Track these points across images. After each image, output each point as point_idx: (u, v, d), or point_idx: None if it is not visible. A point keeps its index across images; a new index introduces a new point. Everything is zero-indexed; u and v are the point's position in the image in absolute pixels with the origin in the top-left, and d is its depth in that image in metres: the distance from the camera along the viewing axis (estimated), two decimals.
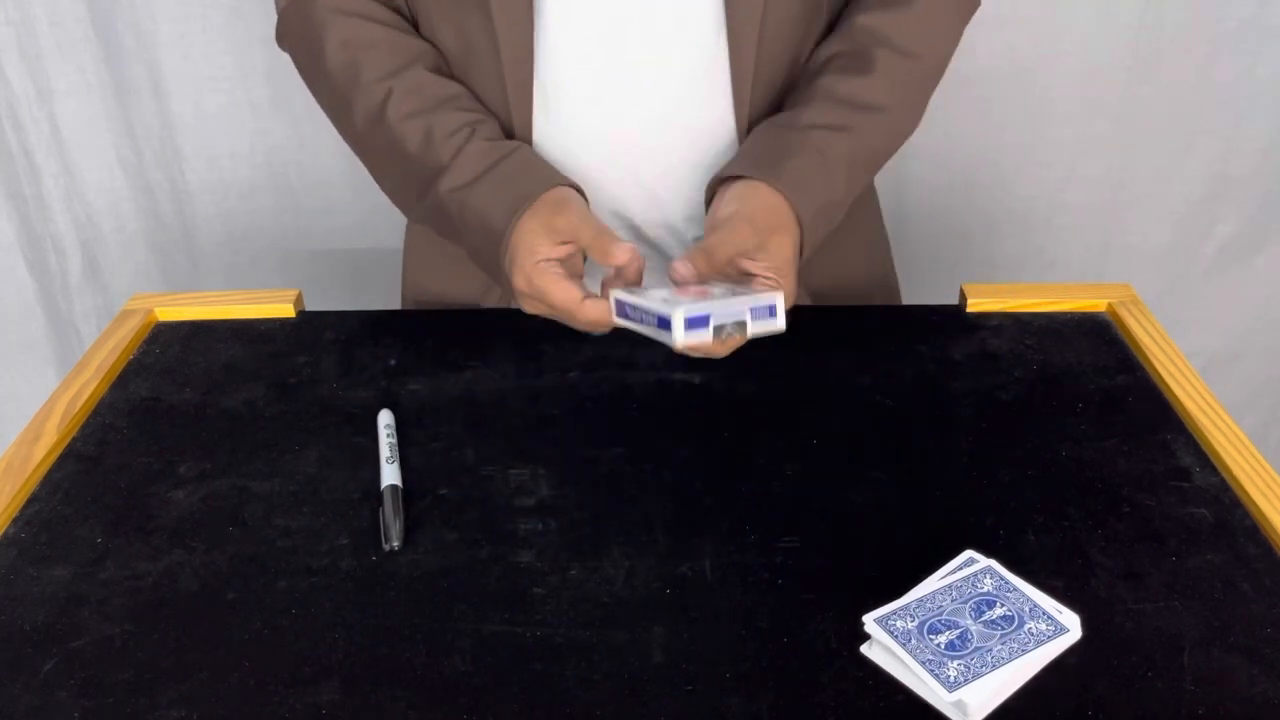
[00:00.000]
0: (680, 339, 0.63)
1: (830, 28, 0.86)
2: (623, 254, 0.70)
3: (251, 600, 0.60)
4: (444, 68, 0.82)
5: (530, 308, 0.74)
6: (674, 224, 0.86)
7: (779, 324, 0.66)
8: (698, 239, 0.89)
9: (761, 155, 0.76)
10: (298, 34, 0.82)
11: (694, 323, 0.64)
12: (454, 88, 0.80)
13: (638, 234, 0.87)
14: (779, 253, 0.72)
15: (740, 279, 0.72)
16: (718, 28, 0.78)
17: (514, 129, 0.82)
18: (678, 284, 0.69)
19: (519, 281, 0.72)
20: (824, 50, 0.81)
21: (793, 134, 0.77)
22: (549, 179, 0.75)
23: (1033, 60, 1.31)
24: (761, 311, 0.66)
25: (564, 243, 0.71)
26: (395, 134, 0.77)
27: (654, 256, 0.89)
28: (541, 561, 0.63)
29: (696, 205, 0.85)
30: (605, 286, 0.72)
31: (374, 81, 0.78)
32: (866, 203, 0.95)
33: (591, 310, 0.69)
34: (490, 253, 0.74)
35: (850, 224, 0.84)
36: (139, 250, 1.43)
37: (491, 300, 0.90)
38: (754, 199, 0.74)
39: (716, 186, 0.77)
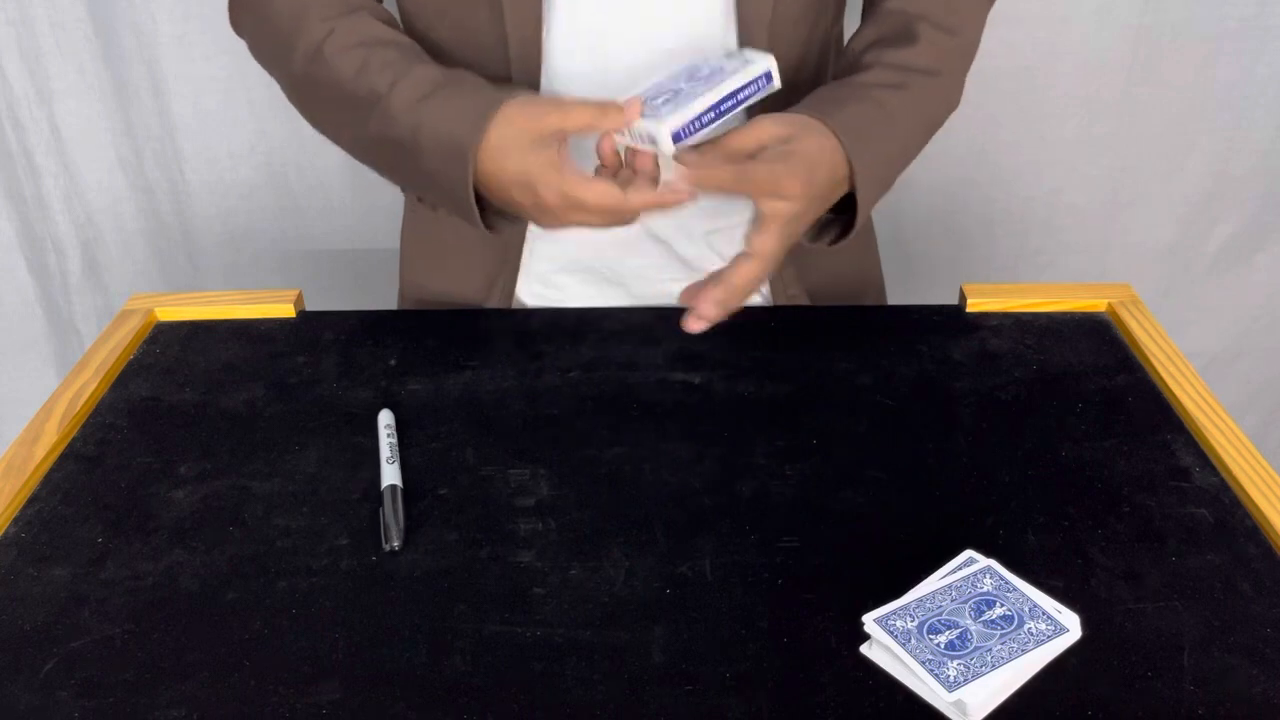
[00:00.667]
0: (670, 152, 0.65)
1: (835, 23, 0.86)
2: (633, 105, 0.66)
3: (251, 600, 0.60)
4: (394, 22, 0.79)
5: (555, 222, 0.69)
6: (683, 218, 0.86)
7: (775, 85, 0.67)
8: (711, 233, 0.89)
9: (815, 103, 0.75)
10: (244, 7, 0.79)
11: (685, 133, 0.66)
12: (401, 37, 0.76)
13: (647, 230, 0.87)
14: (802, 155, 0.69)
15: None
16: (726, 20, 0.78)
17: None
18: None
19: (551, 198, 0.66)
20: (861, 39, 0.81)
21: (850, 89, 0.76)
22: (509, 90, 0.69)
23: (1033, 60, 1.31)
24: (757, 84, 0.67)
25: (561, 142, 0.67)
26: (331, 66, 0.73)
27: (666, 256, 0.89)
28: (541, 561, 0.63)
29: (707, 200, 0.85)
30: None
31: (318, 20, 0.74)
32: None
33: (638, 199, 0.66)
34: (455, 171, 0.68)
35: None
36: (139, 250, 1.43)
37: (493, 300, 0.90)
38: (797, 122, 0.71)
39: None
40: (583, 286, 0.91)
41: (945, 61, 0.79)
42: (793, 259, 0.90)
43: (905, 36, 0.78)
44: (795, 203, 0.68)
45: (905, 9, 0.79)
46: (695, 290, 0.72)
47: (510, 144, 0.66)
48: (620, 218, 0.67)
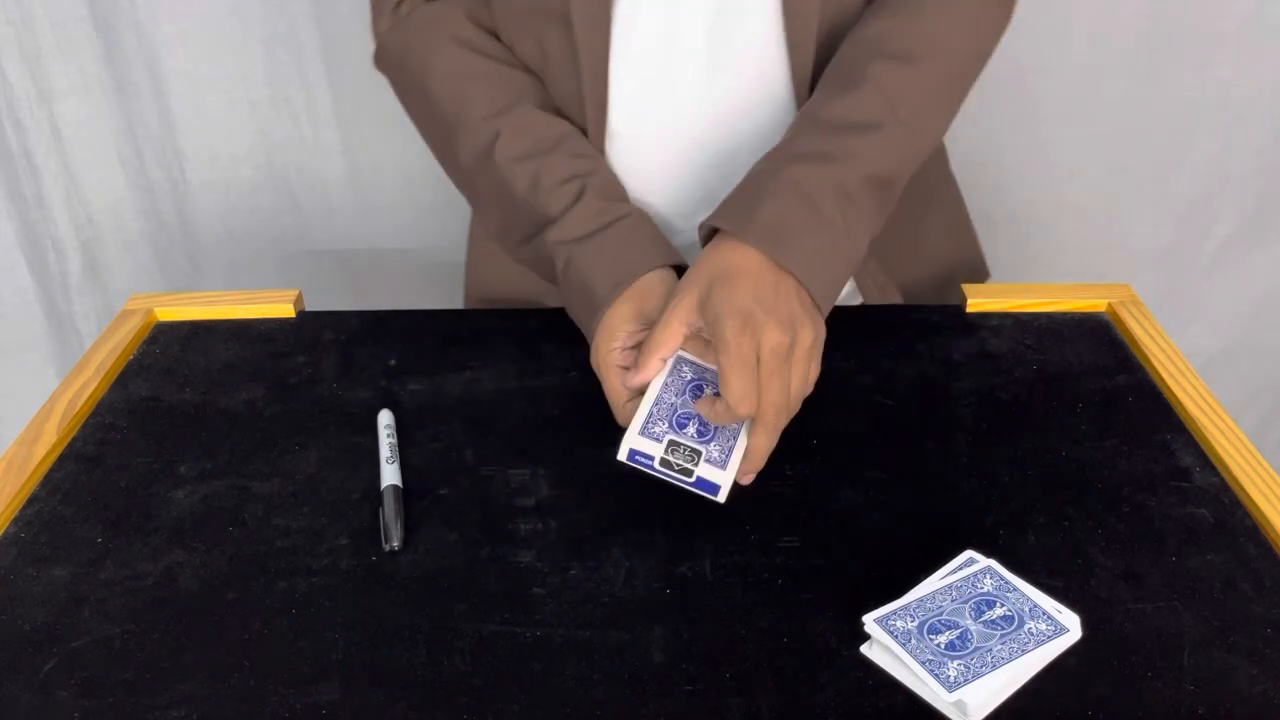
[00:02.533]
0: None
1: None
2: (649, 374, 0.67)
3: (251, 600, 0.60)
4: (550, 102, 0.80)
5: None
6: None
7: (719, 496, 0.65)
8: None
9: (742, 200, 0.70)
10: (397, 61, 0.81)
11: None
12: (563, 127, 0.78)
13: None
14: (712, 308, 0.65)
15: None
16: (776, 29, 0.77)
17: (588, 136, 0.81)
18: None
19: (592, 356, 0.71)
20: (829, 67, 0.77)
21: (771, 171, 0.71)
22: (654, 256, 0.72)
23: (1033, 60, 1.31)
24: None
25: (645, 329, 0.69)
26: (503, 175, 0.76)
27: None
28: (541, 561, 0.63)
29: None
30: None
31: (482, 119, 0.77)
32: (937, 185, 0.95)
33: (630, 412, 0.68)
34: (586, 315, 0.73)
35: (922, 211, 0.83)
36: (139, 250, 1.43)
37: (553, 300, 0.90)
38: (703, 264, 0.68)
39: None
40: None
41: (899, 105, 0.72)
42: (873, 251, 0.86)
43: (852, 78, 0.73)
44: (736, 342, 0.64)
45: (869, 36, 0.74)
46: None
47: (609, 322, 0.70)
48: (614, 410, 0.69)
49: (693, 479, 0.64)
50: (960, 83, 0.77)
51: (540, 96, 0.80)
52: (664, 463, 0.64)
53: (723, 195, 0.80)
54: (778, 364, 0.63)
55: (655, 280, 0.71)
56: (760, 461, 0.65)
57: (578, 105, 0.80)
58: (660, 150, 0.82)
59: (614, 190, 0.77)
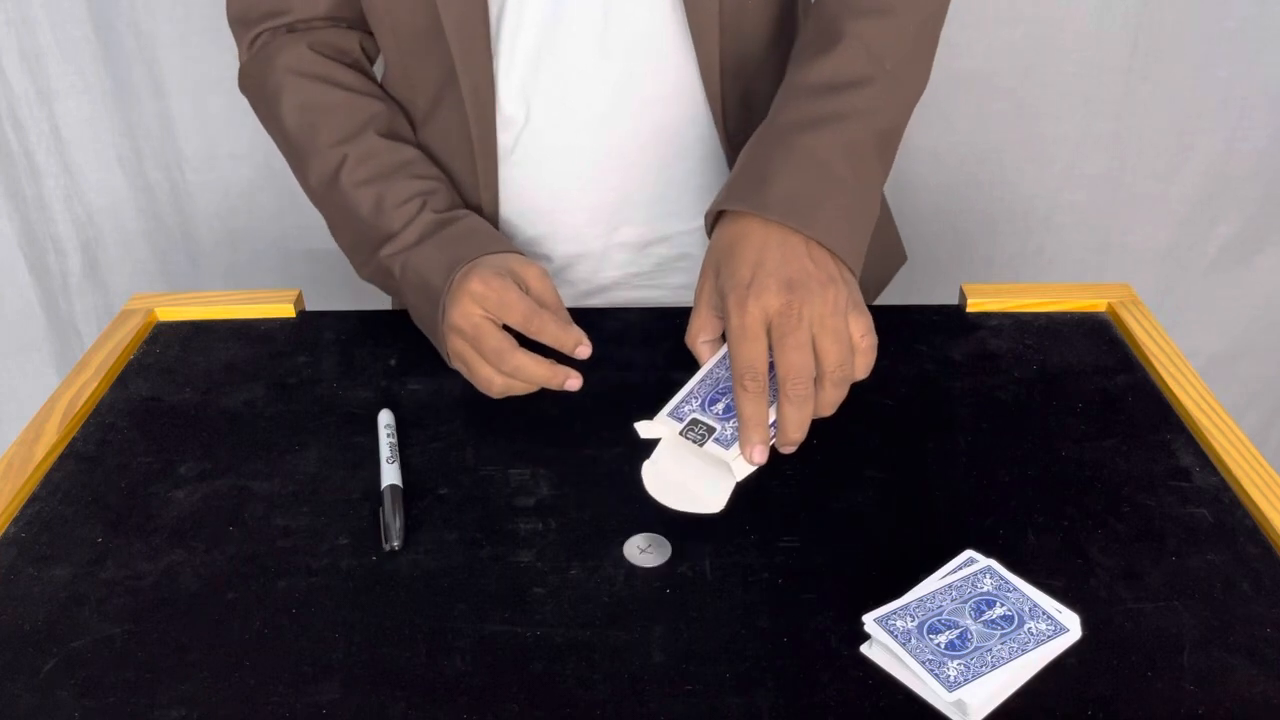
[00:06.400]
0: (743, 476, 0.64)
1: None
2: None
3: (251, 600, 0.60)
4: (399, 129, 0.84)
5: (459, 346, 0.72)
6: (663, 227, 0.87)
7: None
8: (683, 233, 0.88)
9: (749, 179, 0.68)
10: (256, 89, 0.85)
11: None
12: (408, 152, 0.82)
13: (634, 244, 0.87)
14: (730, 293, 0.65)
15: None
16: (673, 15, 0.77)
17: (479, 161, 0.82)
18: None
19: (467, 303, 0.70)
20: (801, 39, 0.76)
21: (774, 144, 0.69)
22: (490, 245, 0.75)
23: (1033, 60, 1.31)
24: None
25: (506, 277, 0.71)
26: (348, 199, 0.79)
27: (642, 260, 0.89)
28: (541, 561, 0.63)
29: (673, 202, 0.85)
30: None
31: (329, 146, 0.80)
32: None
33: (551, 323, 0.70)
34: (429, 310, 0.75)
35: None
36: (139, 250, 1.43)
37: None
38: (719, 247, 0.68)
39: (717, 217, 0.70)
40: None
41: (881, 58, 0.71)
42: None
43: (828, 39, 0.71)
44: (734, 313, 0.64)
45: None
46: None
47: (472, 274, 0.71)
48: (538, 329, 0.70)
49: None
50: (933, 27, 0.76)
51: (388, 123, 0.83)
52: (681, 438, 0.64)
53: (634, 196, 0.83)
54: (790, 326, 0.62)
55: (500, 260, 0.73)
56: (796, 433, 0.63)
57: (463, 123, 0.81)
58: (564, 155, 0.82)
59: (454, 203, 0.80)
